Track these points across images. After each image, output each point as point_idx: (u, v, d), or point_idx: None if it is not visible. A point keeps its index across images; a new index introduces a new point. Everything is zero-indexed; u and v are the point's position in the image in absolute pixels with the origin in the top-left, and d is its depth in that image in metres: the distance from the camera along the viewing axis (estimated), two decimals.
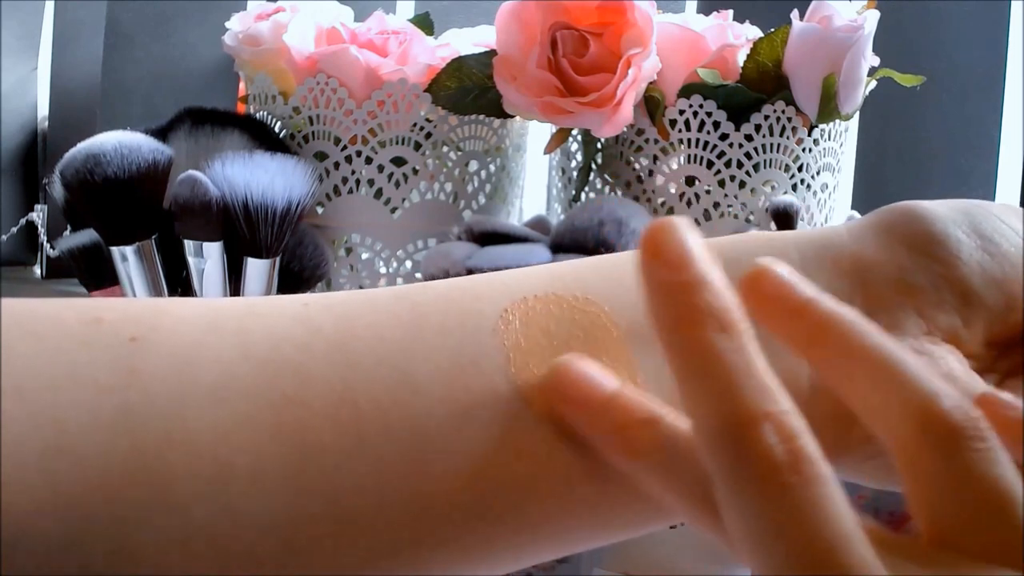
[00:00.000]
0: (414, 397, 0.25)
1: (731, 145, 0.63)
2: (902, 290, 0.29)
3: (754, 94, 0.62)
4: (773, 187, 0.64)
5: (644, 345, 0.27)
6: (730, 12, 0.65)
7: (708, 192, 0.64)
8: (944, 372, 0.29)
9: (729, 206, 0.64)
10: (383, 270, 0.68)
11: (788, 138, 0.63)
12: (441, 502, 0.24)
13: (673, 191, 0.65)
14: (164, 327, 0.24)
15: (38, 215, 0.77)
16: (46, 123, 0.96)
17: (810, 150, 0.65)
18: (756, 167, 0.63)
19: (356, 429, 0.24)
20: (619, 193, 0.66)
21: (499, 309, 0.26)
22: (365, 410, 0.24)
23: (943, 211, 0.31)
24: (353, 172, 0.67)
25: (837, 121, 0.65)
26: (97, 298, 0.25)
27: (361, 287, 0.67)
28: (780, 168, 0.64)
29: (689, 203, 0.64)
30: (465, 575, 0.26)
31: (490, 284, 0.27)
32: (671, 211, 0.65)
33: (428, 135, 0.66)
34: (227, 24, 0.72)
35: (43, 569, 0.21)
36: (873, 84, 0.65)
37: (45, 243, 0.76)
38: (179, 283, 0.62)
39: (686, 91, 0.63)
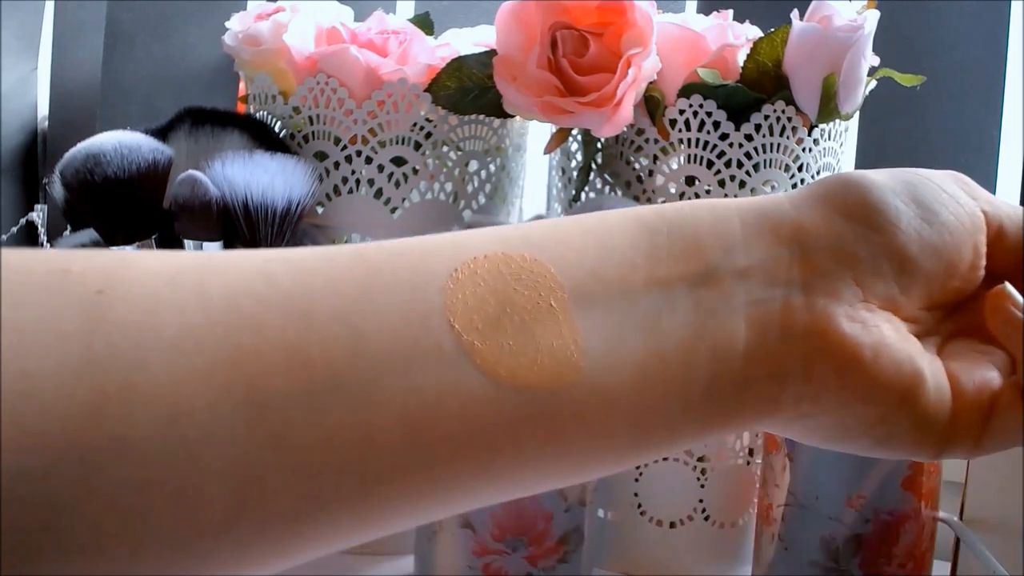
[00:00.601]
0: (363, 352, 0.26)
1: (731, 145, 0.63)
2: (840, 259, 0.30)
3: (754, 94, 0.62)
4: (773, 187, 0.64)
5: (586, 304, 0.28)
6: (730, 12, 0.65)
7: (708, 192, 0.64)
8: (876, 340, 0.30)
9: None
10: None
11: (788, 138, 0.63)
12: (386, 451, 0.26)
13: (673, 191, 0.65)
14: (129, 279, 0.25)
15: (38, 215, 0.77)
16: (46, 123, 0.96)
17: (810, 150, 0.65)
18: (756, 167, 0.63)
19: (307, 381, 0.25)
20: (619, 193, 0.66)
21: (449, 268, 0.28)
22: (317, 363, 0.25)
23: (882, 180, 0.31)
24: (353, 172, 0.67)
25: (837, 121, 0.65)
26: (64, 251, 0.26)
27: None
28: (780, 168, 0.64)
29: None
30: (415, 517, 0.28)
31: (441, 244, 0.29)
32: None
33: (428, 135, 0.66)
34: (227, 24, 0.72)
35: (12, 504, 0.22)
36: (873, 84, 0.65)
37: (45, 243, 0.76)
38: None
39: (686, 91, 0.63)
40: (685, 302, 0.29)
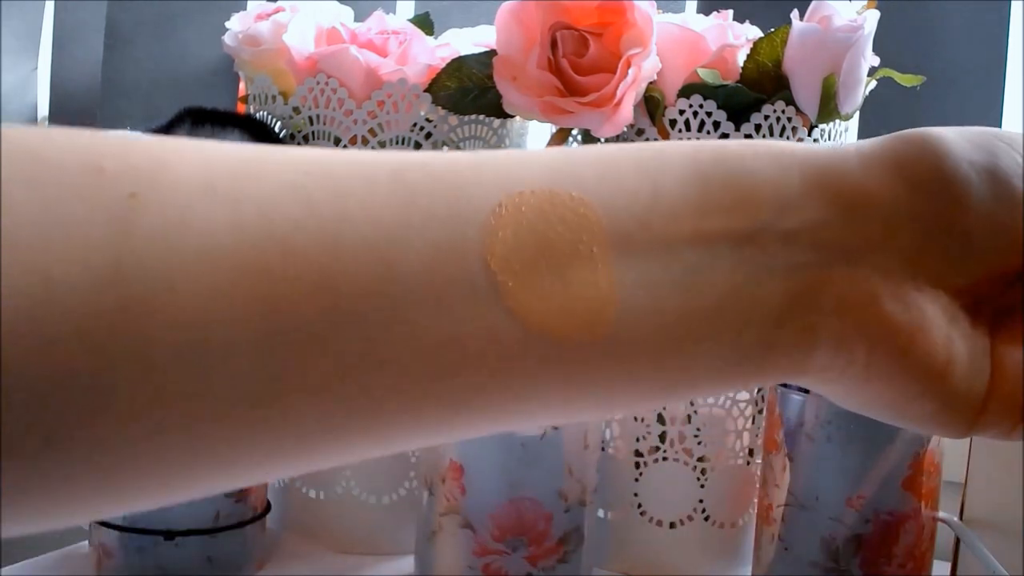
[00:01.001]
0: (392, 284, 0.25)
1: None
2: (896, 233, 0.29)
3: (754, 94, 0.62)
4: None
5: (627, 254, 0.27)
6: (730, 12, 0.65)
7: None
8: (915, 322, 0.29)
9: None
10: None
11: (788, 138, 0.63)
12: (403, 388, 0.26)
13: None
14: (163, 183, 0.24)
15: None
16: (46, 123, 0.96)
17: None
18: None
19: (332, 312, 0.25)
20: None
21: (492, 199, 0.27)
22: (344, 294, 0.25)
23: (960, 146, 0.29)
24: None
25: (837, 121, 0.65)
26: (98, 141, 0.25)
27: None
28: None
29: None
30: (424, 441, 0.28)
31: (492, 169, 0.27)
32: None
33: (428, 135, 0.66)
34: (227, 24, 0.72)
35: (28, 409, 0.22)
36: (873, 84, 0.65)
37: None
38: None
39: (686, 91, 0.63)
40: (726, 261, 0.28)
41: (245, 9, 0.82)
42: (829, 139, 0.66)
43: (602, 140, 0.66)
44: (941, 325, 0.29)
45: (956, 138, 0.29)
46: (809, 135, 0.64)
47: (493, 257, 0.26)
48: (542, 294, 0.26)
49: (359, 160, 0.27)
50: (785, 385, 0.59)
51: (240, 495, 0.63)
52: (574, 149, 0.29)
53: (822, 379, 0.30)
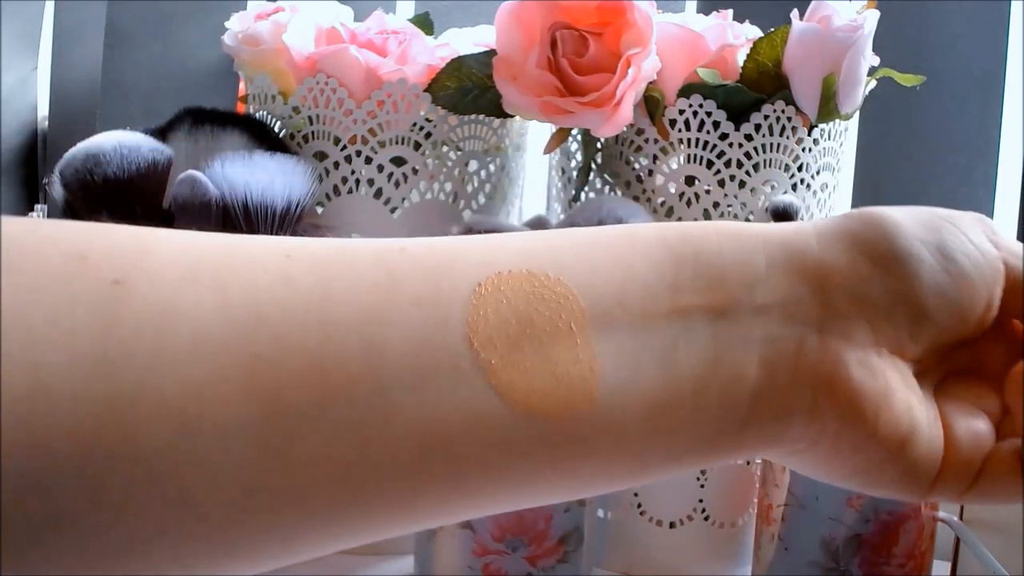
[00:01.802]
0: (380, 366, 0.26)
1: (731, 145, 0.63)
2: (858, 303, 0.30)
3: (754, 94, 0.62)
4: (773, 187, 0.64)
5: (606, 330, 0.28)
6: (730, 12, 0.65)
7: (708, 192, 0.64)
8: (881, 389, 0.30)
9: (729, 206, 0.64)
10: None
11: (788, 138, 0.63)
12: (394, 468, 0.26)
13: (673, 191, 0.65)
14: (147, 270, 0.24)
15: (38, 215, 0.77)
16: (46, 123, 0.96)
17: (810, 150, 0.65)
18: (756, 167, 0.63)
19: (322, 395, 0.25)
20: (619, 193, 0.66)
21: (473, 282, 0.27)
22: (333, 377, 0.25)
23: (909, 226, 0.31)
24: (353, 172, 0.67)
25: (837, 121, 0.65)
26: (82, 231, 0.25)
27: None
28: (780, 168, 0.64)
29: (689, 203, 0.64)
30: (415, 526, 0.28)
31: (468, 253, 0.28)
32: (671, 211, 0.65)
33: (428, 135, 0.66)
34: (227, 24, 0.72)
35: (16, 507, 0.22)
36: (873, 84, 0.65)
37: None
38: None
39: (686, 91, 0.63)
40: (703, 334, 0.29)
41: (245, 9, 0.82)
42: (829, 139, 0.66)
43: (602, 140, 0.66)
44: (903, 391, 0.31)
45: (905, 218, 0.31)
46: (809, 135, 0.64)
47: (476, 336, 0.27)
48: (525, 371, 0.27)
49: (339, 245, 0.27)
50: None
51: None
52: (547, 233, 0.30)
53: (794, 450, 0.31)
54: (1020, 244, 0.33)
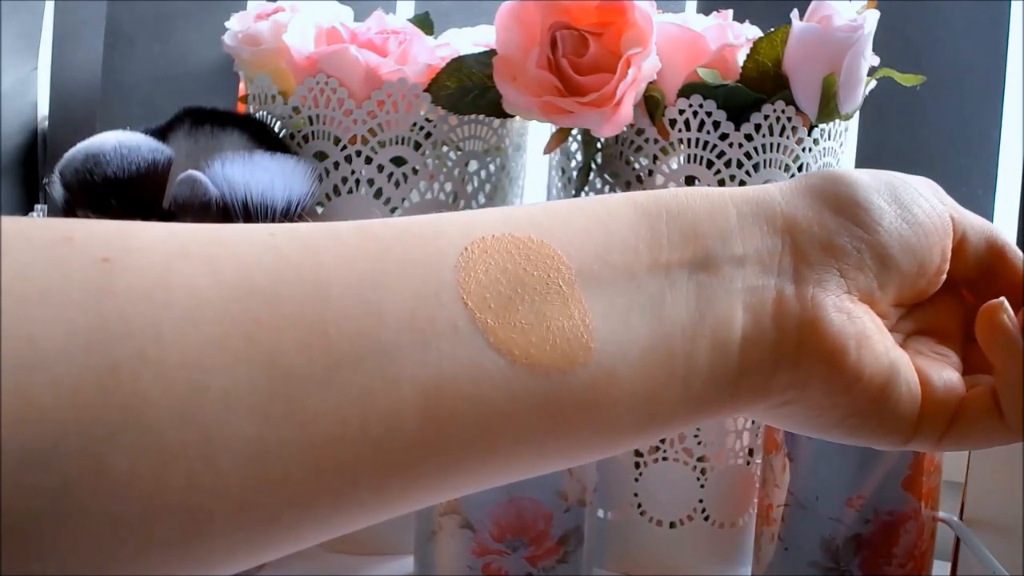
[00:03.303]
0: (380, 327, 0.26)
1: (731, 145, 0.63)
2: (827, 251, 0.32)
3: (754, 94, 0.62)
4: None
5: (593, 287, 0.29)
6: (730, 12, 0.65)
7: None
8: (859, 330, 0.31)
9: None
10: None
11: (788, 138, 0.63)
12: (403, 428, 0.26)
13: None
14: (135, 248, 0.24)
15: (38, 215, 0.77)
16: (46, 123, 0.96)
17: (810, 150, 0.65)
18: (756, 167, 0.63)
19: (326, 357, 0.25)
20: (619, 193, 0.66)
21: (459, 247, 0.28)
22: (334, 338, 0.25)
23: (867, 180, 0.33)
24: (353, 172, 0.67)
25: (837, 121, 0.65)
26: (64, 220, 0.25)
27: None
28: (780, 168, 0.64)
29: None
30: (421, 498, 0.28)
31: (450, 223, 0.29)
32: None
33: (428, 135, 0.66)
34: (227, 24, 0.72)
35: (22, 482, 0.21)
36: (873, 84, 0.65)
37: None
38: None
39: (686, 91, 0.63)
40: (687, 286, 0.30)
41: (245, 9, 0.82)
42: (829, 139, 0.66)
43: (602, 140, 0.66)
44: (879, 335, 0.32)
45: (861, 175, 0.34)
46: (809, 135, 0.64)
47: (470, 296, 0.27)
48: (522, 328, 0.27)
49: (320, 224, 0.28)
50: None
51: None
52: (525, 205, 0.31)
53: (783, 401, 0.32)
54: (960, 206, 0.35)
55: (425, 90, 0.65)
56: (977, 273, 0.35)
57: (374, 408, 0.25)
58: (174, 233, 0.25)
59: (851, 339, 0.31)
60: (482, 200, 0.70)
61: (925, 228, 0.33)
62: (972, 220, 0.35)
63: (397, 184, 0.67)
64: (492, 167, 0.70)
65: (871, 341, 0.31)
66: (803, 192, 0.33)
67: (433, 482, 0.27)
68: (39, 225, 0.24)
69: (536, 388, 0.27)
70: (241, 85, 0.76)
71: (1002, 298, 0.33)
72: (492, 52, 0.63)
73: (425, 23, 0.70)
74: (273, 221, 0.58)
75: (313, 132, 0.67)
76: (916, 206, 0.33)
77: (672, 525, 0.67)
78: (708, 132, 0.63)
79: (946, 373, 0.33)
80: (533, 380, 0.27)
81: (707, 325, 0.30)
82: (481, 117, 0.67)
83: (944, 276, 0.35)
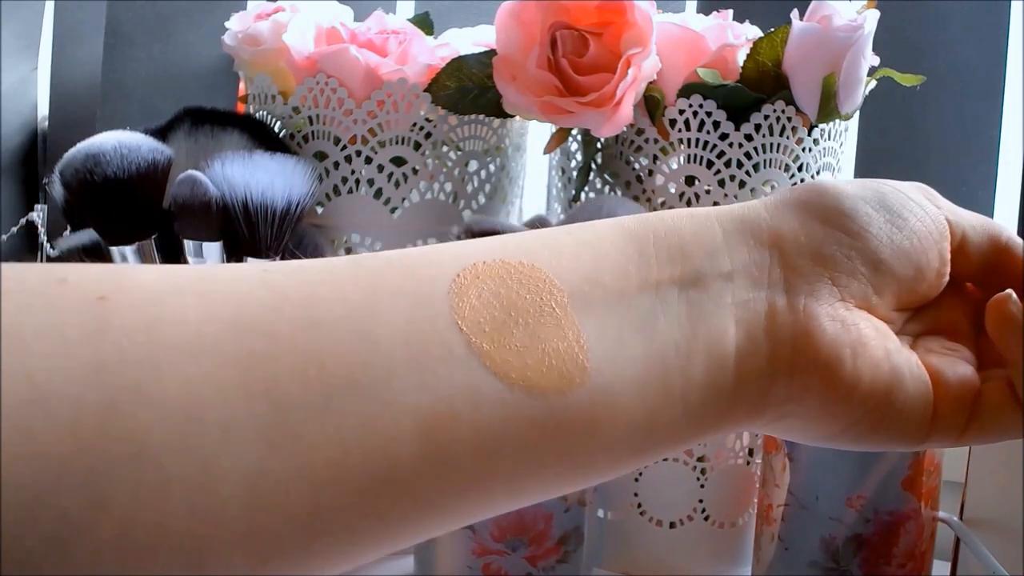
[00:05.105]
0: (376, 355, 0.26)
1: (731, 145, 0.63)
2: (817, 260, 0.32)
3: (754, 94, 0.62)
4: (773, 187, 0.64)
5: (585, 308, 0.29)
6: (730, 12, 0.65)
7: (708, 192, 0.64)
8: (855, 339, 0.31)
9: None
10: None
11: (788, 138, 0.63)
12: (403, 454, 0.26)
13: (673, 191, 0.65)
14: (129, 287, 0.25)
15: (38, 215, 0.77)
16: (46, 123, 0.96)
17: (810, 150, 0.65)
18: (756, 167, 0.63)
19: (323, 387, 0.25)
20: (619, 193, 0.66)
21: (450, 274, 0.28)
22: (331, 368, 0.25)
23: (852, 189, 0.33)
24: (353, 172, 0.67)
25: (837, 121, 0.65)
26: (58, 264, 0.25)
27: None
28: (780, 168, 0.64)
29: (689, 203, 0.64)
30: (424, 528, 0.27)
31: (440, 253, 0.29)
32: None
33: (428, 135, 0.66)
34: (227, 24, 0.72)
35: (22, 520, 0.21)
36: (873, 84, 0.65)
37: (45, 243, 0.76)
38: None
39: (686, 91, 0.63)
40: (678, 303, 0.30)
41: (245, 9, 0.82)
42: (829, 139, 0.66)
43: (602, 140, 0.66)
44: (877, 340, 0.32)
45: (846, 184, 0.34)
46: (809, 135, 0.64)
47: (464, 321, 0.27)
48: (517, 351, 0.27)
49: (310, 260, 0.28)
50: None
51: None
52: (513, 234, 0.31)
53: (781, 414, 0.32)
54: (956, 206, 0.35)
55: (425, 90, 0.65)
56: (982, 270, 0.35)
57: (373, 435, 0.25)
58: (167, 273, 0.26)
59: (846, 348, 0.31)
60: (482, 200, 0.70)
61: (918, 233, 0.33)
62: (971, 219, 0.35)
63: (397, 184, 0.67)
64: (492, 167, 0.70)
65: (868, 348, 0.31)
66: (788, 205, 0.33)
67: (435, 509, 0.27)
68: (34, 269, 0.24)
69: (535, 410, 0.27)
70: (241, 85, 0.77)
71: (1009, 290, 0.33)
72: (492, 52, 0.63)
73: (425, 23, 0.70)
74: (273, 221, 0.58)
75: (313, 132, 0.67)
76: (907, 211, 0.33)
77: (672, 525, 0.67)
78: (708, 132, 0.63)
79: (959, 368, 0.33)
80: (531, 402, 0.27)
81: (700, 341, 0.30)
82: (481, 117, 0.67)
83: (946, 278, 0.34)
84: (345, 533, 0.26)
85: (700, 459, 0.66)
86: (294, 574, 0.25)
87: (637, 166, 0.65)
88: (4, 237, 0.84)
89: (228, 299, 0.25)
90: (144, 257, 0.60)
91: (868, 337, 0.32)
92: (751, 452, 0.67)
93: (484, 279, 0.28)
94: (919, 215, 0.33)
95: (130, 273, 0.25)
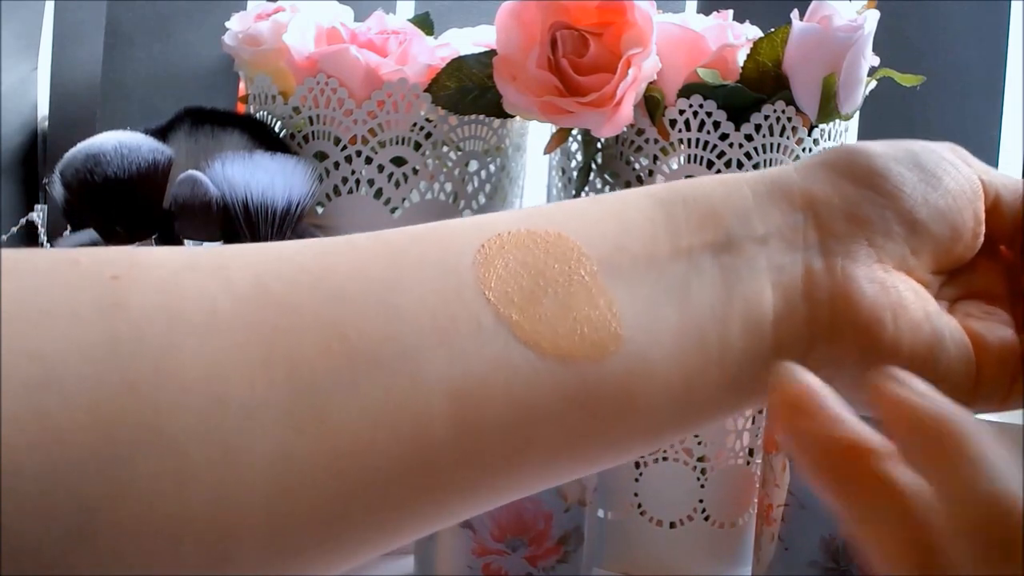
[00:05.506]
0: (402, 329, 0.25)
1: (731, 145, 0.63)
2: (852, 221, 0.31)
3: (754, 94, 0.62)
4: None
5: (616, 276, 0.28)
6: (730, 12, 0.65)
7: None
8: (894, 301, 0.30)
9: None
10: None
11: (788, 138, 0.63)
12: (433, 430, 0.25)
13: None
14: (143, 265, 0.24)
15: (38, 215, 0.77)
16: (46, 123, 0.96)
17: (810, 150, 0.65)
18: (756, 167, 0.63)
19: (348, 360, 0.24)
20: None
21: (475, 245, 0.27)
22: (355, 341, 0.24)
23: (883, 148, 0.32)
24: (353, 172, 0.67)
25: (837, 121, 0.65)
26: (66, 249, 0.24)
27: None
28: None
29: None
30: (453, 512, 0.26)
31: (463, 224, 0.28)
32: None
33: (428, 135, 0.66)
34: (227, 24, 0.72)
35: (40, 508, 0.20)
36: (873, 84, 0.65)
37: (45, 243, 0.76)
38: None
39: (686, 91, 0.63)
40: (711, 268, 0.29)
41: (245, 9, 0.82)
42: (829, 139, 0.66)
43: (602, 140, 0.66)
44: (917, 302, 0.31)
45: (877, 144, 0.33)
46: (809, 135, 0.64)
47: (491, 291, 0.26)
48: (547, 320, 0.26)
49: (333, 237, 0.27)
50: None
51: None
52: (539, 205, 0.31)
53: (821, 377, 0.30)
54: (989, 168, 0.34)
55: (425, 90, 0.65)
56: (1016, 231, 0.34)
57: (402, 411, 0.24)
58: (181, 251, 0.25)
59: (886, 310, 0.30)
60: (482, 200, 0.70)
61: (953, 192, 0.32)
62: (1004, 180, 0.34)
63: (397, 184, 0.67)
64: (492, 167, 0.70)
65: (908, 311, 0.30)
66: (820, 167, 0.32)
67: (468, 489, 0.26)
68: (44, 252, 0.23)
69: (568, 381, 0.26)
70: (241, 85, 0.77)
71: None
72: (492, 52, 0.63)
73: (425, 23, 0.70)
74: (273, 221, 0.58)
75: (313, 132, 0.67)
76: (941, 170, 0.32)
77: (672, 525, 0.67)
78: (708, 132, 0.63)
79: (1000, 331, 0.32)
80: (564, 372, 0.26)
81: (736, 306, 0.29)
82: (481, 117, 0.67)
83: (981, 239, 0.33)
84: (375, 515, 0.25)
85: (700, 459, 0.66)
86: (318, 560, 0.24)
87: (637, 166, 0.65)
88: (4, 237, 0.84)
89: (246, 273, 0.24)
90: None
91: (907, 299, 0.31)
92: (751, 452, 0.67)
93: (510, 248, 0.27)
94: (953, 174, 0.32)
95: (143, 253, 0.24)
